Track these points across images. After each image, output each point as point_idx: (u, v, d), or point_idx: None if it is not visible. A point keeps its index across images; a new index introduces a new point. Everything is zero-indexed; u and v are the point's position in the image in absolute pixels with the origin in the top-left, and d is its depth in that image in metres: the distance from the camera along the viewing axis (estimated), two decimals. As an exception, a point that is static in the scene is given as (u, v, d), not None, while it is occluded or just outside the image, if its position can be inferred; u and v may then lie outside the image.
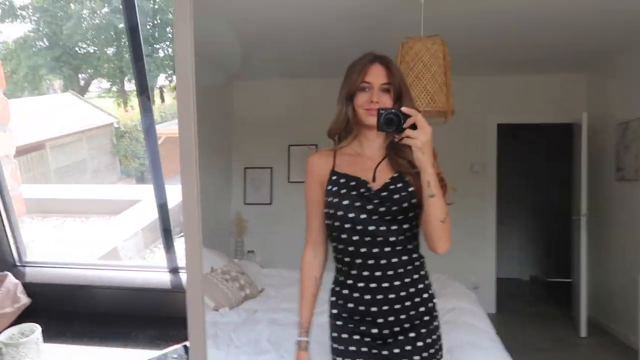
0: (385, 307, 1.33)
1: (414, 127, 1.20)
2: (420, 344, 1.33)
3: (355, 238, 1.31)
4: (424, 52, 2.59)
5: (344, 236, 1.33)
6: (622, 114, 4.04)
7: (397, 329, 1.34)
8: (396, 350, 1.32)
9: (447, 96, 2.74)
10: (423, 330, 1.34)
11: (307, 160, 1.40)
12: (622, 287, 3.90)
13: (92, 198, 4.62)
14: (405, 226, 1.32)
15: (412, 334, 1.33)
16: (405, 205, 1.30)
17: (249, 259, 4.79)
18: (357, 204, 1.30)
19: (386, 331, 1.34)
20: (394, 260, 1.32)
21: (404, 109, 1.22)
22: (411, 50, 2.59)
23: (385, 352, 1.34)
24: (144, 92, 1.42)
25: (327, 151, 1.40)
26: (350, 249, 1.32)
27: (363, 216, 1.30)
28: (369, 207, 1.30)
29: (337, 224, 1.33)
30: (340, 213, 1.31)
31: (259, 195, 5.30)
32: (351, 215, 1.30)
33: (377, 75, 1.34)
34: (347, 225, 1.32)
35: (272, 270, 3.75)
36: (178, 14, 0.76)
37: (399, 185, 1.32)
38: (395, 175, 1.33)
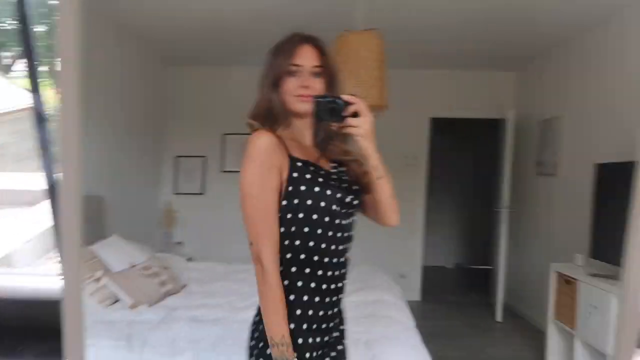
0: (336, 310, 1.25)
1: (354, 115, 1.14)
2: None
3: (330, 233, 1.20)
4: (360, 45, 2.58)
5: (319, 231, 1.18)
6: (544, 112, 4.26)
7: (341, 328, 1.31)
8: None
9: (381, 91, 2.76)
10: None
11: (253, 144, 1.14)
12: (535, 275, 4.15)
13: (7, 188, 4.31)
14: (355, 217, 1.27)
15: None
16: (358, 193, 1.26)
17: (177, 252, 4.68)
18: (339, 195, 1.20)
19: (336, 334, 1.28)
20: (347, 255, 1.26)
21: (345, 97, 1.14)
22: (347, 43, 2.57)
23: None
24: (34, 71, 1.33)
25: (269, 132, 1.17)
26: (323, 245, 1.19)
27: (340, 208, 1.21)
28: (345, 197, 1.22)
29: (315, 217, 1.17)
30: (323, 204, 1.17)
31: (190, 185, 5.17)
32: (334, 207, 1.19)
33: (308, 57, 1.22)
34: (326, 219, 1.19)
35: (200, 263, 3.68)
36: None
37: (343, 174, 1.27)
38: (334, 164, 1.27)
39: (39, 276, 1.23)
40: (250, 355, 1.21)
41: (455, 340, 3.77)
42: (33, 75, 1.22)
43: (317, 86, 1.21)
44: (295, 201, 1.17)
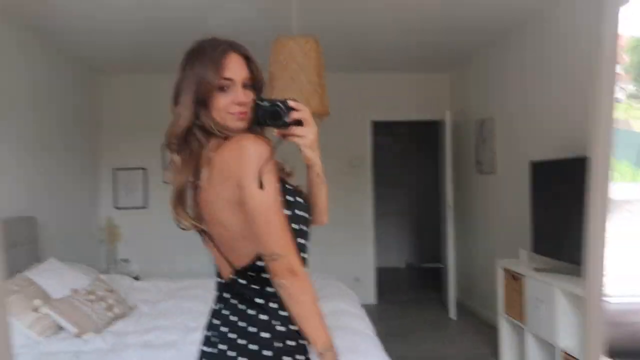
0: None
1: (297, 123, 1.07)
2: None
3: (308, 245, 1.17)
4: (298, 51, 2.53)
5: (303, 242, 1.14)
6: (479, 112, 4.41)
7: None
8: None
9: (322, 98, 2.73)
10: None
11: (258, 151, 1.02)
12: (483, 272, 4.28)
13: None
14: None
15: None
16: None
17: (122, 270, 4.45)
18: (307, 205, 1.18)
19: None
20: None
21: (291, 102, 1.06)
22: (284, 48, 2.51)
23: None
24: None
25: (259, 137, 1.09)
26: (305, 256, 1.14)
27: (309, 217, 1.19)
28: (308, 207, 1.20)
29: (302, 228, 1.14)
30: (305, 215, 1.15)
31: (131, 199, 4.94)
32: (309, 217, 1.18)
33: (238, 69, 1.11)
34: (306, 229, 1.16)
35: (147, 282, 3.51)
36: None
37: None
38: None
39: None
40: None
41: (412, 340, 3.82)
42: None
43: (250, 99, 1.11)
44: (289, 212, 1.10)
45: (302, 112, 1.08)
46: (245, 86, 1.12)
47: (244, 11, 3.24)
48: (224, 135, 1.10)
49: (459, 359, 3.41)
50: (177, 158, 1.12)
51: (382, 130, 5.70)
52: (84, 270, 3.20)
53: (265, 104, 1.07)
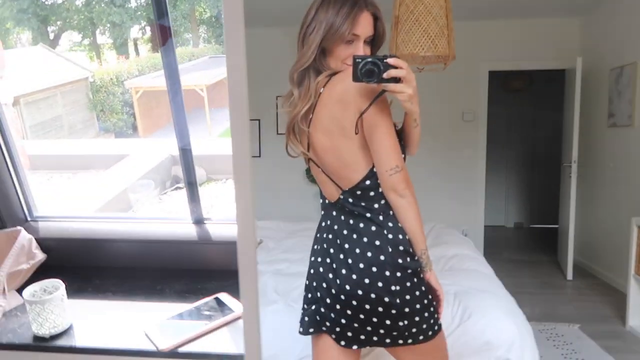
0: None
1: (397, 79, 1.11)
2: None
3: None
4: (425, -6, 2.49)
5: None
6: (615, 59, 4.02)
7: None
8: None
9: (449, 40, 2.66)
10: None
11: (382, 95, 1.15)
12: (611, 232, 4.01)
13: (76, 153, 4.47)
14: None
15: None
16: None
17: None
18: None
19: None
20: None
21: (390, 60, 1.10)
22: (412, -7, 2.48)
23: None
24: (165, 42, 1.32)
25: None
26: None
27: None
28: None
29: (403, 155, 1.27)
30: (402, 143, 1.31)
31: (247, 148, 5.21)
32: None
33: (366, 27, 1.20)
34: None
35: (269, 222, 3.73)
36: None
37: None
38: None
39: (167, 221, 1.26)
40: (416, 303, 1.24)
41: (525, 298, 3.70)
42: (165, 44, 1.21)
43: (367, 53, 1.22)
44: None
45: (400, 70, 1.11)
46: (366, 42, 1.23)
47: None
48: (331, 73, 1.21)
49: (580, 320, 3.26)
50: (295, 92, 1.26)
51: (499, 81, 5.43)
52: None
53: (366, 60, 1.10)
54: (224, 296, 1.17)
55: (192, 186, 1.27)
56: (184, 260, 1.19)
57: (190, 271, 1.12)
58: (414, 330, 1.24)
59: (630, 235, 3.10)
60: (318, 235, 1.39)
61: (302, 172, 4.93)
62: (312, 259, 1.38)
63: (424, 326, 1.26)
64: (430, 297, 1.28)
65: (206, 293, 1.10)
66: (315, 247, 1.39)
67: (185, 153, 1.26)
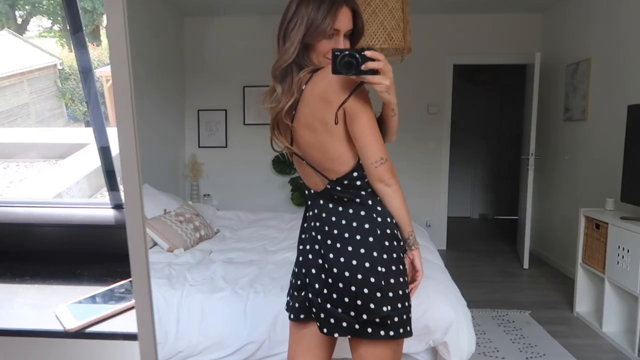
0: None
1: (375, 71, 1.15)
2: None
3: None
4: (382, -14, 2.51)
5: None
6: (572, 55, 4.12)
7: None
8: None
9: (405, 33, 2.69)
10: None
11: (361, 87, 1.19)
12: (564, 222, 4.13)
13: (36, 142, 4.40)
14: None
15: None
16: None
17: (205, 202, 4.75)
18: None
19: None
20: None
21: (368, 52, 1.14)
22: (369, -17, 2.50)
23: None
24: (77, 30, 1.31)
25: None
26: None
27: None
28: None
29: None
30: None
31: (214, 138, 5.19)
32: None
33: (346, 22, 1.25)
34: None
35: (228, 212, 3.74)
36: None
37: None
38: None
39: (89, 206, 1.27)
40: (398, 289, 1.27)
41: (481, 286, 3.82)
42: (78, 33, 1.20)
43: (346, 47, 1.26)
44: None
45: (378, 62, 1.15)
46: (345, 36, 1.27)
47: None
48: (312, 70, 1.23)
49: (531, 306, 3.37)
50: (278, 88, 1.28)
51: (462, 74, 5.51)
52: (174, 197, 3.46)
53: (344, 53, 1.14)
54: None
55: (110, 174, 1.28)
56: (105, 245, 1.20)
57: (110, 255, 1.14)
58: (395, 319, 1.26)
59: (579, 225, 3.21)
60: (305, 224, 1.43)
61: (269, 163, 4.94)
62: (300, 247, 1.43)
63: (396, 319, 1.26)
64: (408, 292, 1.30)
65: (125, 276, 1.12)
66: (303, 236, 1.43)
67: (104, 151, 1.27)
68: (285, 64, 1.24)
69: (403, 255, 1.30)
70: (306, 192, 1.42)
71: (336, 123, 1.21)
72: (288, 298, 1.49)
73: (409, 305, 1.29)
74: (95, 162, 3.77)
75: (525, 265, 4.31)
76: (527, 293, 3.70)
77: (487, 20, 4.81)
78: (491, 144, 6.48)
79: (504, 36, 4.82)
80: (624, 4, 3.44)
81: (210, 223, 3.23)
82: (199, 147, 5.18)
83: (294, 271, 1.47)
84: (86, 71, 1.37)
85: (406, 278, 1.30)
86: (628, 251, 2.67)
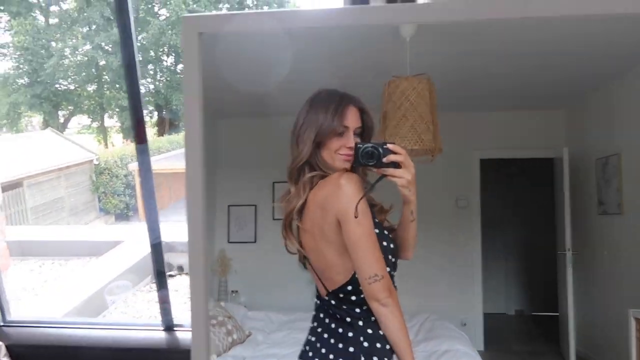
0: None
1: (396, 165, 1.17)
2: None
3: (394, 274, 1.31)
4: (411, 90, 2.62)
5: (389, 271, 1.27)
6: (601, 149, 4.14)
7: None
8: None
9: (435, 135, 2.77)
10: None
11: (352, 183, 1.19)
12: (610, 322, 3.90)
13: (71, 239, 4.49)
14: None
15: None
16: None
17: (233, 300, 4.68)
18: (392, 245, 1.31)
19: None
20: None
21: (390, 146, 1.18)
22: (397, 89, 2.62)
23: None
24: (139, 130, 1.39)
25: (351, 173, 1.26)
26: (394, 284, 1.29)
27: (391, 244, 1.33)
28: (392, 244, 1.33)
29: (390, 258, 1.28)
30: (392, 246, 1.30)
31: (243, 234, 5.22)
32: (394, 248, 1.31)
33: (354, 119, 1.30)
34: (394, 260, 1.30)
35: (259, 313, 3.67)
36: (186, 62, 0.75)
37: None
38: None
39: (140, 327, 1.25)
40: None
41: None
42: (140, 132, 1.28)
43: (352, 143, 1.30)
44: (389, 244, 1.28)
45: (399, 155, 1.18)
46: (355, 134, 1.31)
47: (357, 57, 3.39)
48: (326, 173, 1.28)
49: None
50: (293, 188, 1.32)
51: (492, 169, 5.55)
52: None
53: (366, 145, 1.21)
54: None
55: (162, 283, 1.28)
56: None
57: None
58: None
59: (628, 328, 3.03)
60: (307, 336, 1.42)
61: (297, 259, 4.90)
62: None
63: None
64: None
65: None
66: (304, 348, 1.42)
67: (156, 248, 1.28)
68: (299, 164, 1.29)
69: None
70: (315, 300, 1.41)
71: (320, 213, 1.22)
72: None
73: None
74: (131, 259, 3.81)
75: (573, 368, 4.03)
76: (578, 402, 3.42)
77: (511, 117, 4.93)
78: (523, 236, 6.36)
79: (528, 131, 4.90)
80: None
81: (242, 325, 3.16)
82: (229, 242, 5.20)
83: None
84: (145, 170, 1.41)
85: None
86: (688, 359, 2.49)
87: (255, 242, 5.20)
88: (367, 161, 1.17)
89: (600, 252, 4.17)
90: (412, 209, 1.26)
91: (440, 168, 4.80)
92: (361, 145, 1.19)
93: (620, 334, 3.40)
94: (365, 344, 1.20)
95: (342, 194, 1.18)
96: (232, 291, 5.01)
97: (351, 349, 1.20)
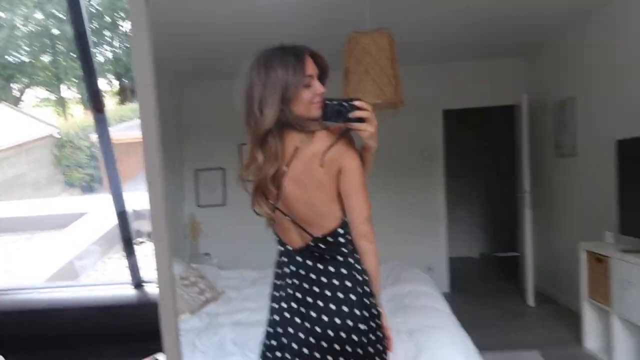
0: None
1: (361, 119, 1.26)
2: None
3: None
4: (371, 45, 2.63)
5: None
6: (557, 95, 4.28)
7: None
8: None
9: (396, 88, 2.81)
10: None
11: (353, 143, 1.31)
12: (564, 257, 4.16)
13: (36, 214, 4.43)
14: None
15: None
16: None
17: (206, 262, 4.75)
18: None
19: None
20: None
21: (357, 103, 1.25)
22: (358, 44, 2.62)
23: None
24: (96, 99, 1.39)
25: None
26: None
27: None
28: None
29: None
30: None
31: (212, 197, 5.25)
32: None
33: (312, 66, 1.33)
34: None
35: (231, 272, 3.75)
36: (135, 25, 0.77)
37: None
38: None
39: (110, 285, 1.30)
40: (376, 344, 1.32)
41: (489, 328, 3.79)
42: (96, 102, 1.28)
43: (322, 89, 1.35)
44: None
45: (364, 111, 1.27)
46: (317, 79, 1.34)
47: (316, 13, 3.37)
48: (301, 129, 1.31)
49: (541, 345, 3.34)
50: (260, 155, 1.31)
51: (454, 119, 5.67)
52: (175, 260, 3.48)
53: (333, 103, 1.27)
54: (161, 356, 1.19)
55: (130, 250, 1.32)
56: (126, 324, 1.23)
57: (132, 334, 1.16)
58: None
59: (579, 260, 3.24)
60: (279, 282, 1.42)
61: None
62: (276, 306, 1.41)
63: None
64: (384, 347, 1.35)
65: (148, 354, 1.14)
66: (277, 293, 1.42)
67: (122, 216, 1.31)
68: (266, 129, 1.28)
69: (378, 312, 1.34)
70: (281, 248, 1.43)
71: (322, 166, 1.27)
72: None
73: (384, 357, 1.35)
74: (98, 229, 3.79)
75: (531, 302, 4.30)
76: (535, 332, 3.68)
77: (472, 67, 5.01)
78: (485, 182, 6.58)
79: (490, 81, 5.01)
80: (600, 47, 3.62)
81: (215, 284, 3.24)
82: (198, 206, 5.23)
83: (266, 330, 1.44)
84: (104, 140, 1.42)
85: (382, 332, 1.35)
86: (634, 284, 2.70)
87: (224, 205, 5.25)
88: (336, 118, 1.25)
89: (557, 192, 4.39)
90: (372, 152, 1.36)
91: (405, 121, 4.87)
92: (329, 102, 1.25)
93: (573, 267, 3.63)
94: (359, 278, 1.31)
95: (346, 147, 1.28)
96: (205, 254, 5.08)
97: (348, 284, 1.30)
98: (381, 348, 1.32)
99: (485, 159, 6.54)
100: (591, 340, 3.22)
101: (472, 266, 6.18)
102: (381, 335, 1.33)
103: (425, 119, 5.05)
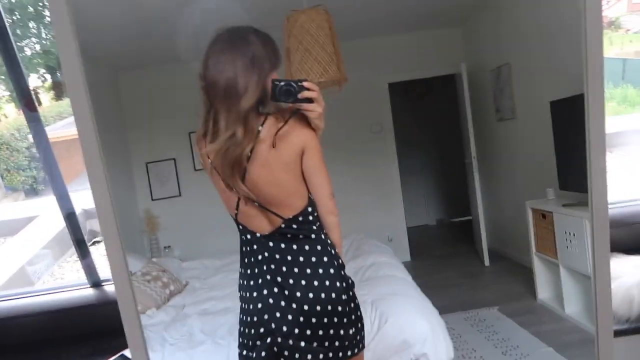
0: None
1: (309, 100, 1.29)
2: None
3: None
4: (310, 23, 2.63)
5: None
6: (493, 62, 4.43)
7: None
8: None
9: (339, 65, 2.83)
10: None
11: (307, 120, 1.34)
12: (513, 216, 4.37)
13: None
14: None
15: None
16: None
17: (167, 255, 4.69)
18: None
19: None
20: None
21: (305, 83, 1.29)
22: (297, 23, 2.61)
23: None
24: (26, 98, 1.33)
25: None
26: None
27: None
28: None
29: None
30: None
31: (166, 189, 5.15)
32: None
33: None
34: None
35: (193, 262, 3.73)
36: (54, 15, 0.75)
37: None
38: None
39: (66, 289, 1.27)
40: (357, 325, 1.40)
41: (448, 290, 3.96)
42: (26, 100, 1.23)
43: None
44: None
45: (312, 91, 1.30)
46: None
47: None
48: (267, 112, 1.33)
49: (498, 301, 3.53)
50: (240, 130, 1.30)
51: (400, 92, 5.77)
52: (135, 257, 3.42)
53: (282, 83, 1.29)
54: (128, 352, 1.20)
55: (84, 251, 1.30)
56: (88, 324, 1.22)
57: (96, 333, 1.16)
58: (358, 337, 1.40)
59: (527, 217, 3.42)
60: (250, 270, 1.41)
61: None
62: (255, 294, 1.39)
63: (358, 337, 1.40)
64: (360, 312, 1.43)
65: (113, 352, 1.14)
66: (252, 282, 1.40)
67: (70, 217, 1.28)
68: (252, 104, 1.29)
69: (352, 281, 1.43)
70: (246, 236, 1.41)
71: (274, 146, 1.30)
72: (245, 351, 1.42)
73: (363, 322, 1.44)
74: (49, 232, 3.66)
75: (486, 262, 4.51)
76: (492, 289, 3.87)
77: (412, 39, 5.09)
78: (436, 151, 6.77)
79: (429, 51, 5.11)
80: (529, 13, 3.76)
81: (178, 276, 3.22)
82: (152, 199, 5.12)
83: (246, 321, 1.42)
84: (41, 140, 1.38)
85: (358, 301, 1.43)
86: (574, 235, 2.88)
87: (180, 195, 5.16)
88: (286, 98, 1.27)
89: (501, 155, 4.58)
90: (320, 133, 1.39)
91: (351, 97, 4.91)
92: (278, 83, 1.27)
93: (521, 224, 3.84)
94: (333, 252, 1.38)
95: (307, 128, 1.33)
96: (165, 247, 5.00)
97: (325, 258, 1.35)
98: (360, 314, 1.41)
99: (433, 128, 6.71)
100: (543, 291, 3.42)
101: (430, 233, 6.39)
102: (358, 302, 1.42)
103: (370, 94, 5.11)
